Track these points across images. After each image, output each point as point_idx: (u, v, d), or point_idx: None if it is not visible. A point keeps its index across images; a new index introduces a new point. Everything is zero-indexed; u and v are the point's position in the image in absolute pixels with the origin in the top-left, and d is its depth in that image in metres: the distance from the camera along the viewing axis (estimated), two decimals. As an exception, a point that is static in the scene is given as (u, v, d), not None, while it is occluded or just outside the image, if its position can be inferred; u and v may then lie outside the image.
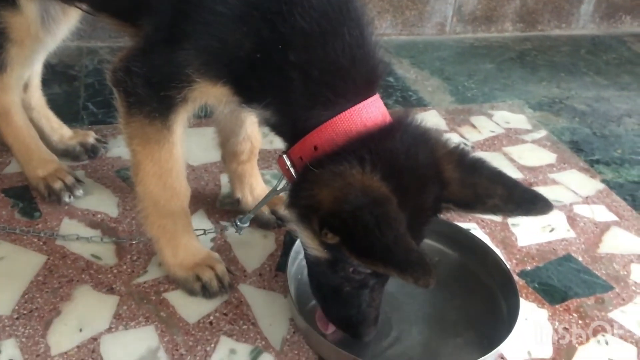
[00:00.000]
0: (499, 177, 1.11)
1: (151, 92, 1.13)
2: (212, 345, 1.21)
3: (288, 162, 1.13)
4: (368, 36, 1.09)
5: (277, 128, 1.17)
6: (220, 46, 1.07)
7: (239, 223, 1.41)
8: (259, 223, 1.53)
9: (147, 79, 1.12)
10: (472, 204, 1.09)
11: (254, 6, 1.04)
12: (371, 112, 1.08)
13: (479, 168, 1.10)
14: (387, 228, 0.92)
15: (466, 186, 1.07)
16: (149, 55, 1.12)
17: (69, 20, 1.51)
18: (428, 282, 0.88)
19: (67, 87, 2.10)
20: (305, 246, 1.12)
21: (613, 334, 1.34)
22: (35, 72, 1.64)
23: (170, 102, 1.13)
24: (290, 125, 1.12)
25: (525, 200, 1.09)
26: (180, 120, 1.17)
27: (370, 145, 1.02)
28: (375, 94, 1.11)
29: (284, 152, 1.15)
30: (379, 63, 1.11)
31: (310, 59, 1.04)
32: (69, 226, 1.47)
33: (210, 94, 1.13)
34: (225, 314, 1.28)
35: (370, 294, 1.12)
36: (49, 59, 1.65)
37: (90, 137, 1.74)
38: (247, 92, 1.12)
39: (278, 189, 1.30)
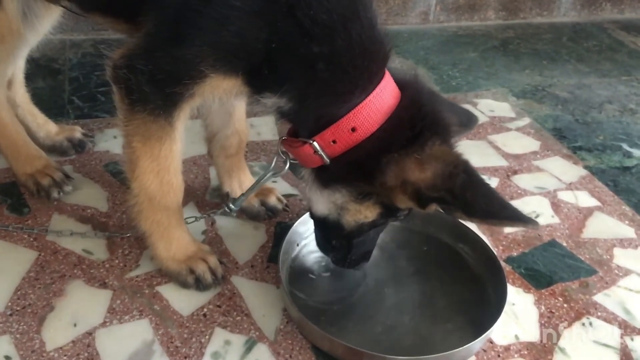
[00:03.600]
0: (452, 106, 1.28)
1: (157, 90, 1.11)
2: (207, 336, 1.22)
3: (318, 147, 1.13)
4: (376, 15, 1.13)
5: (292, 115, 1.16)
6: (237, 41, 1.07)
7: (232, 206, 1.40)
8: (249, 215, 1.54)
9: (152, 76, 1.10)
10: None
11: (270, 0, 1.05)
12: (393, 86, 1.14)
13: (443, 103, 1.24)
14: (491, 189, 1.06)
15: None
16: (155, 52, 1.10)
17: (52, 16, 1.48)
18: (537, 225, 1.07)
19: (52, 81, 2.08)
20: (350, 219, 1.19)
21: (597, 317, 1.37)
22: (18, 68, 1.62)
23: (177, 98, 1.13)
24: (312, 112, 1.13)
25: (467, 120, 1.28)
26: (184, 116, 1.17)
27: (424, 118, 1.10)
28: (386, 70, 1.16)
29: (310, 139, 1.14)
30: (389, 41, 1.16)
31: (336, 48, 1.06)
32: (59, 222, 1.47)
33: (221, 87, 1.13)
34: (219, 306, 1.30)
35: (379, 232, 1.28)
36: (31, 53, 1.62)
37: (77, 132, 1.74)
38: (260, 82, 1.12)
39: (272, 173, 1.32)
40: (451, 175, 1.04)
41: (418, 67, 2.51)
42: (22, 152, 1.54)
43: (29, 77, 1.70)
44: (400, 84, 1.16)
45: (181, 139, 1.20)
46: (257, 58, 1.09)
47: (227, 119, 1.45)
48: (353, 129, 1.10)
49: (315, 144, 1.13)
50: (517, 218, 1.04)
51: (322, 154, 1.13)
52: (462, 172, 1.04)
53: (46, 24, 1.49)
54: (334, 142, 1.12)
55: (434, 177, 1.05)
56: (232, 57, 1.09)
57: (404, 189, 1.09)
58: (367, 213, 1.17)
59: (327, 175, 1.17)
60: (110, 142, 1.77)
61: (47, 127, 1.70)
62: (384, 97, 1.11)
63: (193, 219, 1.42)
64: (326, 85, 1.09)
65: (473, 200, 1.03)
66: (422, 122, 1.09)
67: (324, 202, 1.20)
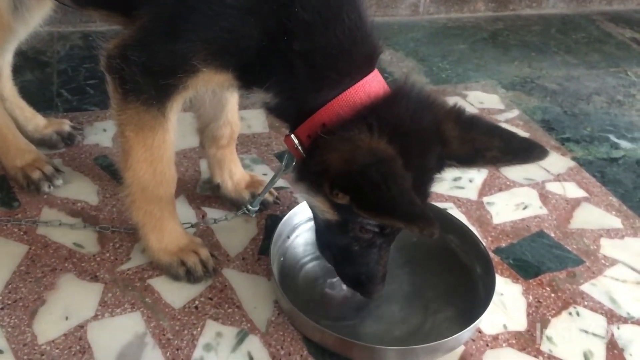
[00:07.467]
0: (495, 130, 1.17)
1: (150, 81, 1.13)
2: (199, 329, 1.23)
3: (296, 141, 1.16)
4: (365, 17, 1.13)
5: (278, 110, 1.20)
6: (229, 37, 1.09)
7: (250, 207, 1.47)
8: (240, 208, 1.54)
9: (146, 67, 1.12)
10: (472, 159, 1.15)
11: None
12: (373, 86, 1.13)
13: (476, 123, 1.16)
14: (393, 184, 0.98)
15: (465, 142, 1.13)
16: (149, 45, 1.12)
17: (43, 9, 1.48)
18: (432, 231, 0.94)
19: (40, 74, 2.06)
20: (316, 212, 1.18)
21: (584, 306, 1.40)
22: (6, 61, 1.60)
23: (169, 90, 1.14)
24: (294, 108, 1.16)
25: (522, 148, 1.16)
26: (176, 106, 1.19)
27: (377, 113, 1.08)
28: (374, 69, 1.16)
29: (291, 133, 1.17)
30: (376, 41, 1.16)
31: (314, 46, 1.09)
32: (49, 215, 1.47)
33: (213, 80, 1.15)
34: (210, 298, 1.30)
35: (378, 253, 1.18)
36: (19, 45, 1.61)
37: (66, 125, 1.73)
38: (249, 77, 1.15)
39: (284, 167, 1.33)
40: (354, 158, 1.01)
41: (408, 59, 2.52)
42: (11, 145, 1.53)
43: (17, 70, 1.69)
44: (394, 87, 1.16)
45: (174, 129, 1.21)
46: (247, 54, 1.10)
47: (220, 109, 1.46)
48: (324, 125, 1.11)
49: (293, 137, 1.16)
50: (406, 219, 0.96)
51: (299, 147, 1.16)
52: (368, 157, 1.00)
53: (37, 17, 1.48)
54: (309, 137, 1.14)
55: (342, 161, 1.03)
56: (223, 53, 1.11)
57: (326, 175, 1.06)
58: (319, 204, 1.14)
59: (302, 167, 1.18)
60: (100, 135, 1.77)
61: (35, 121, 1.69)
62: (357, 95, 1.11)
63: (189, 225, 1.44)
64: (302, 81, 1.11)
65: (363, 189, 0.99)
66: (368, 117, 1.06)
67: (300, 193, 1.21)
